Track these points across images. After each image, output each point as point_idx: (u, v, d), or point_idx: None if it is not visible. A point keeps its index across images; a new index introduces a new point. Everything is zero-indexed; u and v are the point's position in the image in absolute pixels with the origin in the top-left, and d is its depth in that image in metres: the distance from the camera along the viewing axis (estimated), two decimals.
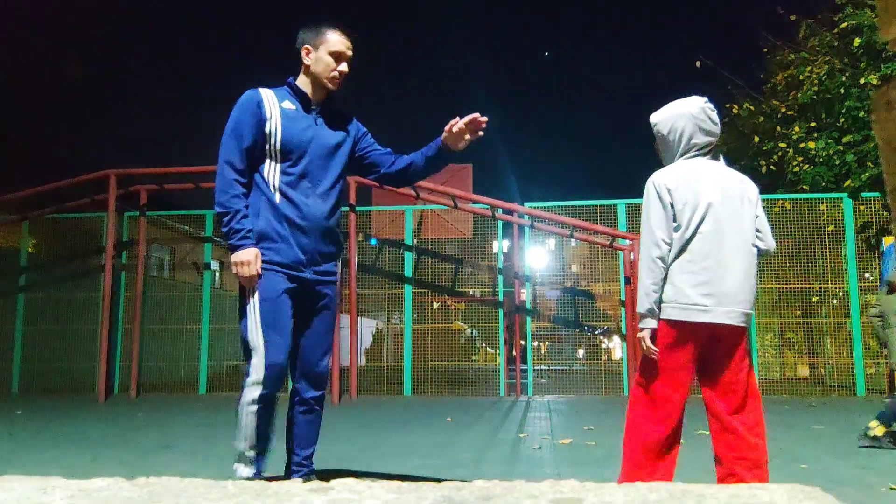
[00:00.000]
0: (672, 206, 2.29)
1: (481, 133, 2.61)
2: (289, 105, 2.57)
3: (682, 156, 2.39)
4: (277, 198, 2.48)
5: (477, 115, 2.55)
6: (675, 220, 2.29)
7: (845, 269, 8.72)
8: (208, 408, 7.41)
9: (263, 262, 2.46)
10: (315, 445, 2.64)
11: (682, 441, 2.38)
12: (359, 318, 9.14)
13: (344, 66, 2.59)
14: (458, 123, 2.55)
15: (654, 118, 2.47)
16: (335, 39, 2.56)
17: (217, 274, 10.42)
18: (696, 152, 2.38)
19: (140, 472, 3.37)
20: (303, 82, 2.61)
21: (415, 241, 9.68)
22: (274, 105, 2.54)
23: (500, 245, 9.66)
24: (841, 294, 8.88)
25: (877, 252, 8.60)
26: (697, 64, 13.13)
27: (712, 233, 2.26)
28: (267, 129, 2.51)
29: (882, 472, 3.43)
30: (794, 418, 6.00)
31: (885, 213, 8.79)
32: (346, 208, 8.84)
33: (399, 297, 9.62)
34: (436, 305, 10.42)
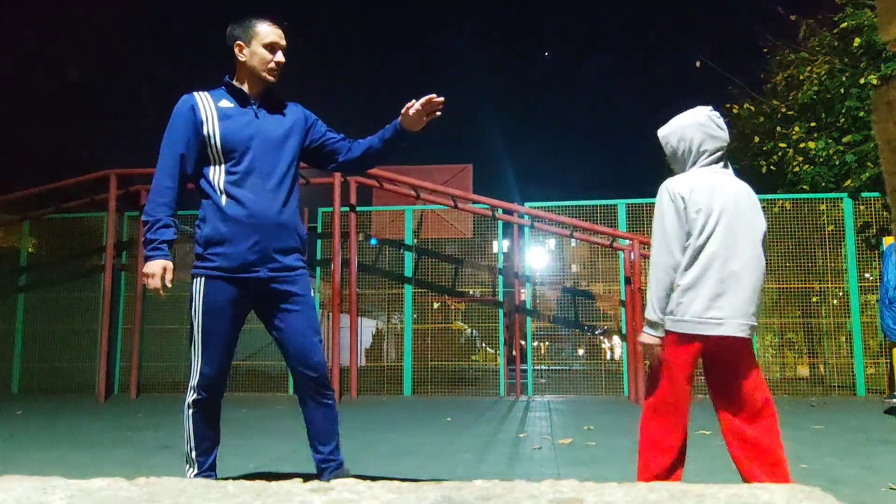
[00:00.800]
0: (686, 212, 2.27)
1: (438, 114, 2.57)
2: (226, 104, 2.54)
3: (693, 165, 2.39)
4: (223, 200, 2.46)
5: (433, 95, 2.52)
6: (687, 228, 2.28)
7: (845, 269, 8.72)
8: None
9: (210, 268, 2.46)
10: (336, 439, 2.61)
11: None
12: (359, 318, 9.14)
13: (280, 56, 2.56)
14: (414, 105, 2.52)
15: (663, 132, 2.48)
16: (267, 31, 2.54)
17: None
18: (708, 160, 2.38)
19: (140, 472, 3.37)
20: (239, 78, 2.59)
21: (415, 241, 9.68)
22: (209, 106, 2.52)
23: (500, 245, 9.66)
24: (841, 294, 8.87)
25: (877, 252, 8.60)
26: (697, 64, 13.14)
27: (725, 242, 2.24)
28: (205, 132, 2.49)
29: (882, 472, 3.43)
30: (794, 418, 6.00)
31: (885, 213, 8.79)
32: (346, 208, 8.85)
33: (399, 297, 9.62)
34: (436, 305, 10.42)
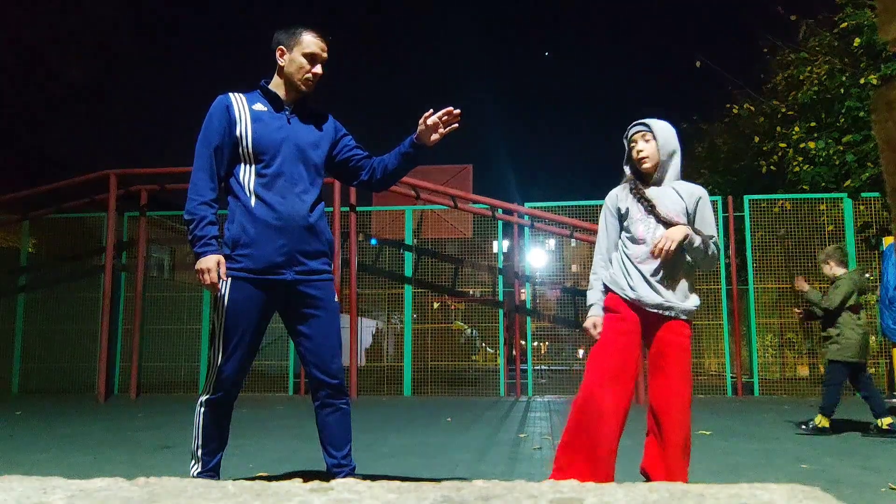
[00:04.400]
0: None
1: (456, 126, 2.58)
2: (259, 107, 2.57)
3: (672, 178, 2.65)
4: (252, 201, 2.48)
5: (451, 108, 2.53)
6: None
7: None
8: None
9: (237, 269, 2.45)
10: (349, 444, 2.62)
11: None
12: (359, 318, 9.14)
13: (318, 69, 2.58)
14: (431, 116, 2.52)
15: (672, 133, 2.63)
16: (309, 41, 2.56)
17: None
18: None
19: (140, 472, 3.38)
20: (275, 83, 2.62)
21: (415, 241, 9.68)
22: (244, 108, 2.54)
23: (500, 245, 9.66)
24: None
25: (877, 252, 8.60)
26: (698, 64, 13.15)
27: None
28: (237, 132, 2.51)
29: (882, 472, 3.43)
30: (794, 418, 6.00)
31: (885, 213, 8.79)
32: (347, 208, 8.85)
33: (399, 297, 9.62)
34: (436, 305, 10.43)
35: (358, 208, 9.06)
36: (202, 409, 2.53)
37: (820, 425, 4.88)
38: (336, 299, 2.63)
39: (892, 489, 3.03)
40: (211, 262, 2.39)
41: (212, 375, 2.50)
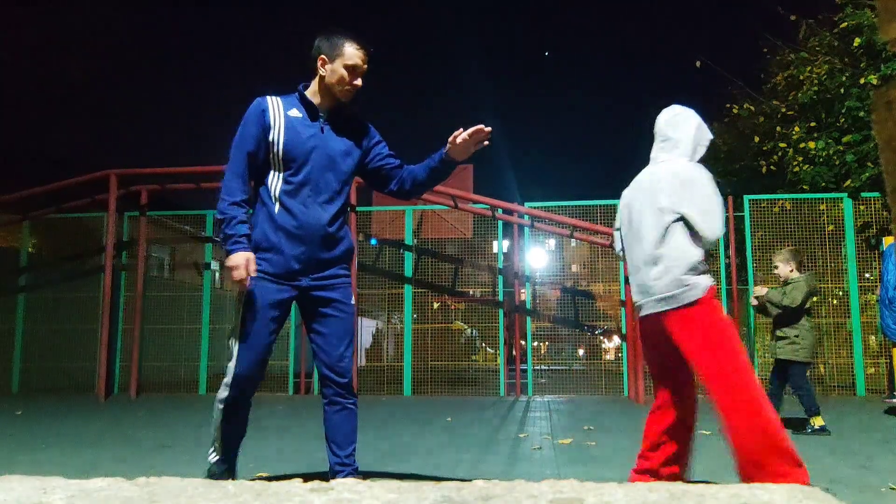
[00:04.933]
0: None
1: (487, 143, 2.62)
2: (295, 113, 2.60)
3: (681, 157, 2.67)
4: (276, 208, 2.53)
5: (481, 126, 2.56)
6: None
7: (845, 269, 8.72)
8: (208, 408, 7.38)
9: (257, 271, 2.50)
10: (354, 444, 2.66)
11: None
12: (359, 318, 9.14)
13: (358, 81, 2.60)
14: (461, 135, 2.56)
15: (698, 121, 2.75)
16: (352, 53, 2.57)
17: (217, 274, 10.42)
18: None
19: (140, 472, 3.37)
20: (313, 90, 2.63)
21: (415, 241, 9.68)
22: (279, 113, 2.58)
23: (500, 245, 9.66)
24: (841, 294, 8.87)
25: (877, 252, 8.60)
26: (698, 64, 13.13)
27: (629, 231, 2.81)
28: (270, 138, 2.54)
29: (882, 472, 3.43)
30: (794, 418, 6.00)
31: (885, 213, 8.79)
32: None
33: (399, 297, 9.62)
34: (436, 305, 10.43)
35: (358, 208, 9.06)
36: (221, 406, 2.59)
37: (818, 425, 4.94)
38: (353, 301, 2.68)
39: (893, 489, 3.03)
40: (241, 259, 2.43)
41: (228, 374, 2.56)
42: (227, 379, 2.55)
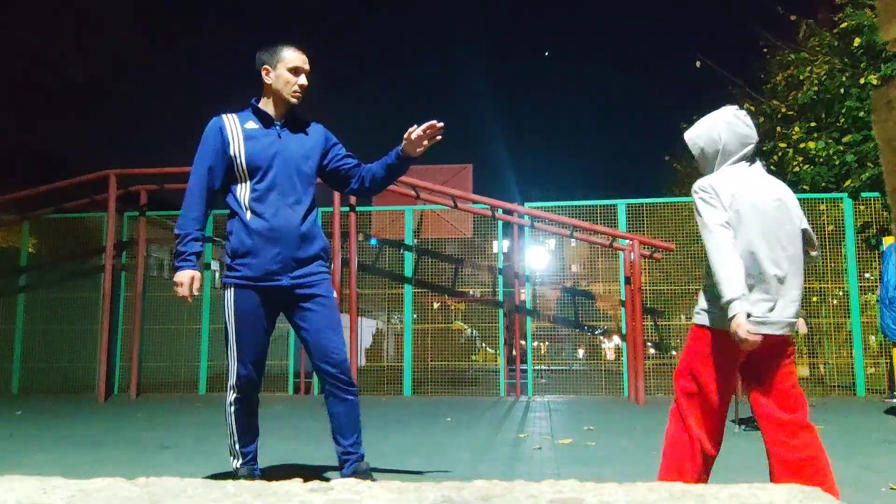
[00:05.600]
0: (723, 208, 2.23)
1: (439, 138, 2.74)
2: (251, 125, 2.73)
3: (721, 164, 2.35)
4: (248, 215, 2.66)
5: (434, 122, 2.69)
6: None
7: (845, 269, 8.72)
8: (208, 408, 7.41)
9: (237, 277, 2.66)
10: (357, 433, 2.79)
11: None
12: (359, 318, 9.14)
13: (303, 79, 2.74)
14: (415, 130, 2.69)
15: (690, 134, 2.46)
16: (291, 56, 2.72)
17: (217, 274, 10.42)
18: (736, 158, 2.34)
19: (140, 472, 3.37)
20: (265, 102, 2.77)
21: (415, 241, 9.68)
22: (236, 128, 2.72)
23: (500, 245, 9.66)
24: (841, 294, 8.87)
25: (877, 252, 8.60)
26: (697, 64, 13.12)
27: (759, 240, 2.20)
28: (231, 152, 2.69)
29: (882, 472, 3.43)
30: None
31: (885, 213, 8.79)
32: (347, 208, 8.85)
33: (399, 297, 9.62)
34: (436, 305, 10.42)
35: (358, 208, 9.05)
36: (232, 409, 2.71)
37: None
38: (333, 294, 2.79)
39: (893, 489, 3.03)
40: (185, 277, 2.62)
41: (231, 378, 2.70)
42: (231, 381, 2.69)
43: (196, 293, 2.64)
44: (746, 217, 2.21)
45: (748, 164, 2.36)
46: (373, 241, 9.99)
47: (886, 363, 8.40)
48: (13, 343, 9.70)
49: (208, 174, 2.68)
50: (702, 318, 2.29)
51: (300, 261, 2.68)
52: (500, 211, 9.26)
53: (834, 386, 8.85)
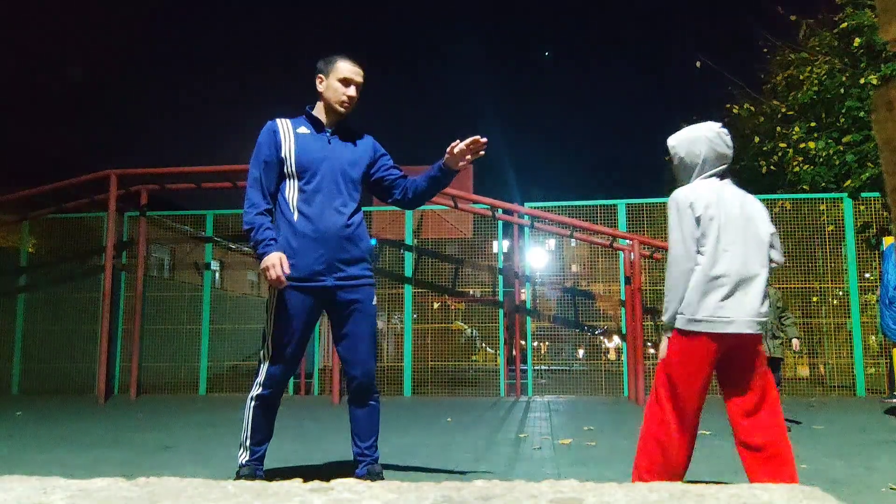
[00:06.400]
0: (698, 220, 2.39)
1: (482, 153, 2.80)
2: (303, 130, 2.85)
3: (697, 177, 2.51)
4: (295, 216, 2.74)
5: (478, 137, 2.75)
6: (699, 234, 2.39)
7: (845, 269, 8.72)
8: (208, 408, 7.41)
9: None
10: (374, 436, 2.95)
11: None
12: None
13: (352, 91, 2.84)
14: (458, 145, 2.75)
15: (672, 141, 2.60)
16: (344, 67, 2.83)
17: (217, 274, 10.42)
18: (709, 173, 2.50)
19: (140, 472, 3.38)
20: (318, 108, 2.89)
21: (415, 241, 9.68)
22: (289, 131, 2.84)
23: (500, 245, 9.66)
24: (841, 294, 8.87)
25: (877, 252, 8.60)
26: (697, 64, 13.14)
27: (737, 247, 2.38)
28: (283, 154, 2.79)
29: (882, 472, 3.43)
30: (794, 418, 6.00)
31: (885, 213, 8.79)
32: None
33: (399, 297, 9.62)
34: (436, 305, 10.42)
35: None
36: (253, 404, 2.78)
37: None
38: (374, 302, 2.87)
39: (893, 489, 3.03)
40: (275, 259, 2.62)
41: (262, 374, 2.76)
42: (261, 378, 2.75)
43: (288, 271, 2.64)
44: (719, 224, 2.38)
45: (719, 179, 2.52)
46: (372, 241, 9.99)
47: (886, 363, 8.40)
48: (13, 343, 9.69)
49: (263, 172, 2.77)
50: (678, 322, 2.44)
51: (344, 262, 2.75)
52: (501, 211, 9.26)
53: (834, 386, 8.85)
